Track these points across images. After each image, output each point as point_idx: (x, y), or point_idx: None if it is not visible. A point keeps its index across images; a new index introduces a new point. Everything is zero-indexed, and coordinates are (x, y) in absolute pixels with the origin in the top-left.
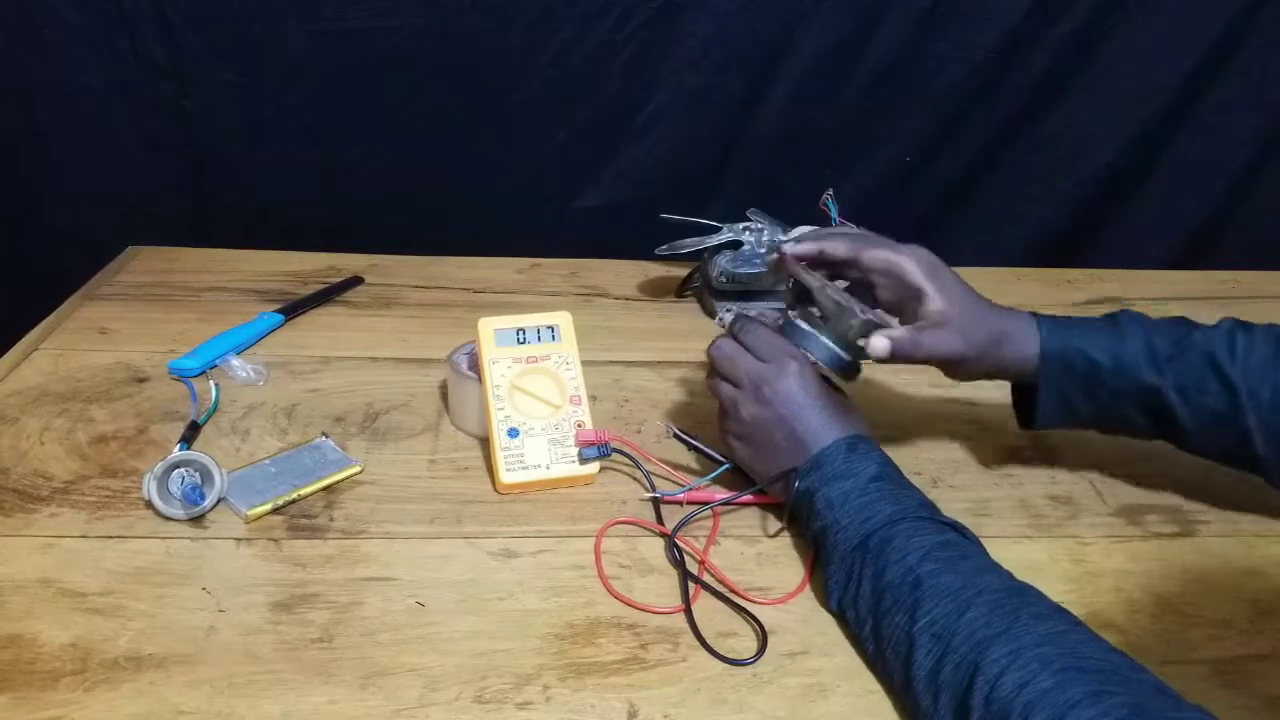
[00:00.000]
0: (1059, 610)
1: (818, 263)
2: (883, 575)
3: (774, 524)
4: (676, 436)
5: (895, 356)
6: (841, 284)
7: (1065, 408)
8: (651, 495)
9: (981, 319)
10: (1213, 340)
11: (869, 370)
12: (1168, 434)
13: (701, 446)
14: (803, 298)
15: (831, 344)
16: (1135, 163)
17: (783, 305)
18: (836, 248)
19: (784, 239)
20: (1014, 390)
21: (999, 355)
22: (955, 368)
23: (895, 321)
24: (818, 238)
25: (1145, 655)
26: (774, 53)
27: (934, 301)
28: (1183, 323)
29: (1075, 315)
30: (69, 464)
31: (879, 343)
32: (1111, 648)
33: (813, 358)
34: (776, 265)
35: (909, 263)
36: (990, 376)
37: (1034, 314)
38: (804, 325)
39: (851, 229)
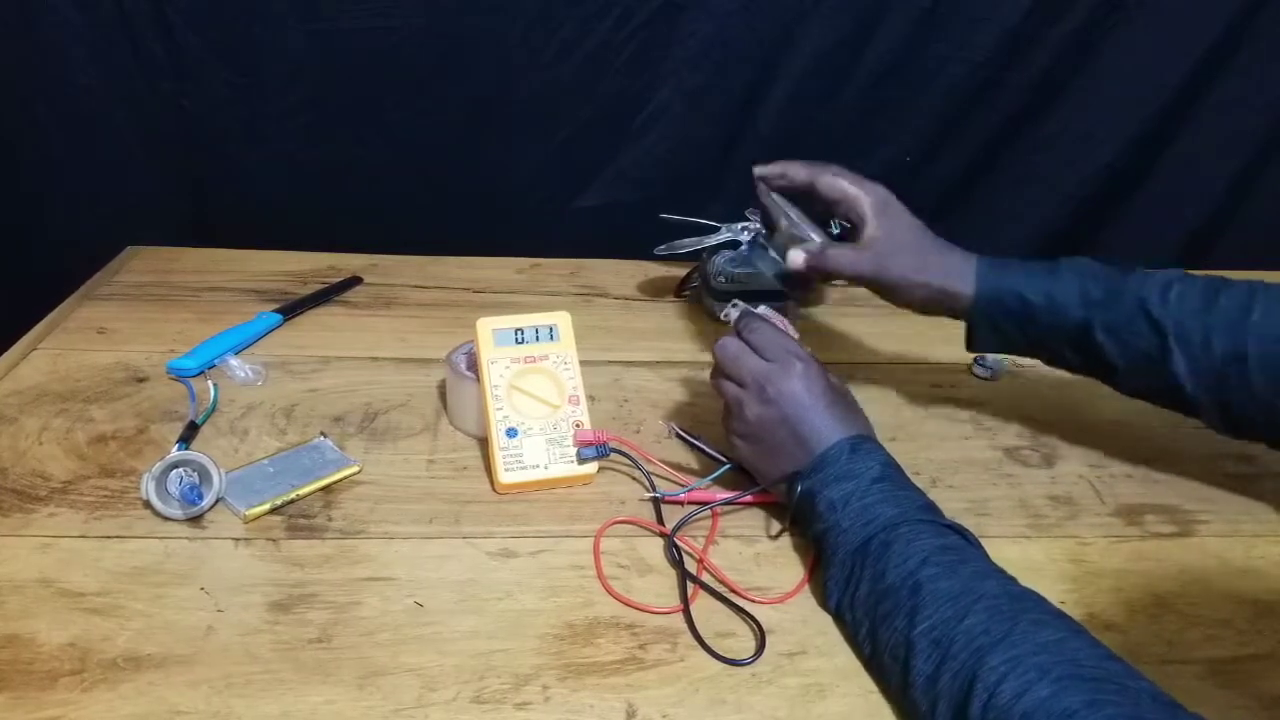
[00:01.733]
0: (1059, 616)
1: (783, 188)
2: (882, 579)
3: (774, 524)
4: (679, 436)
5: (808, 267)
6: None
7: (1000, 338)
8: (652, 495)
9: (916, 252)
10: (1146, 286)
11: (870, 370)
12: (1099, 372)
13: (704, 446)
14: (770, 225)
15: (775, 255)
16: (1135, 163)
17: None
18: (797, 171)
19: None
20: (964, 320)
21: (931, 286)
22: (875, 288)
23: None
24: (784, 161)
25: (1144, 655)
26: (774, 53)
27: (869, 229)
28: (1123, 270)
29: (1016, 258)
30: (67, 464)
31: (794, 254)
32: (1110, 654)
33: (764, 272)
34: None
35: (860, 194)
36: (930, 308)
37: (982, 256)
38: (760, 241)
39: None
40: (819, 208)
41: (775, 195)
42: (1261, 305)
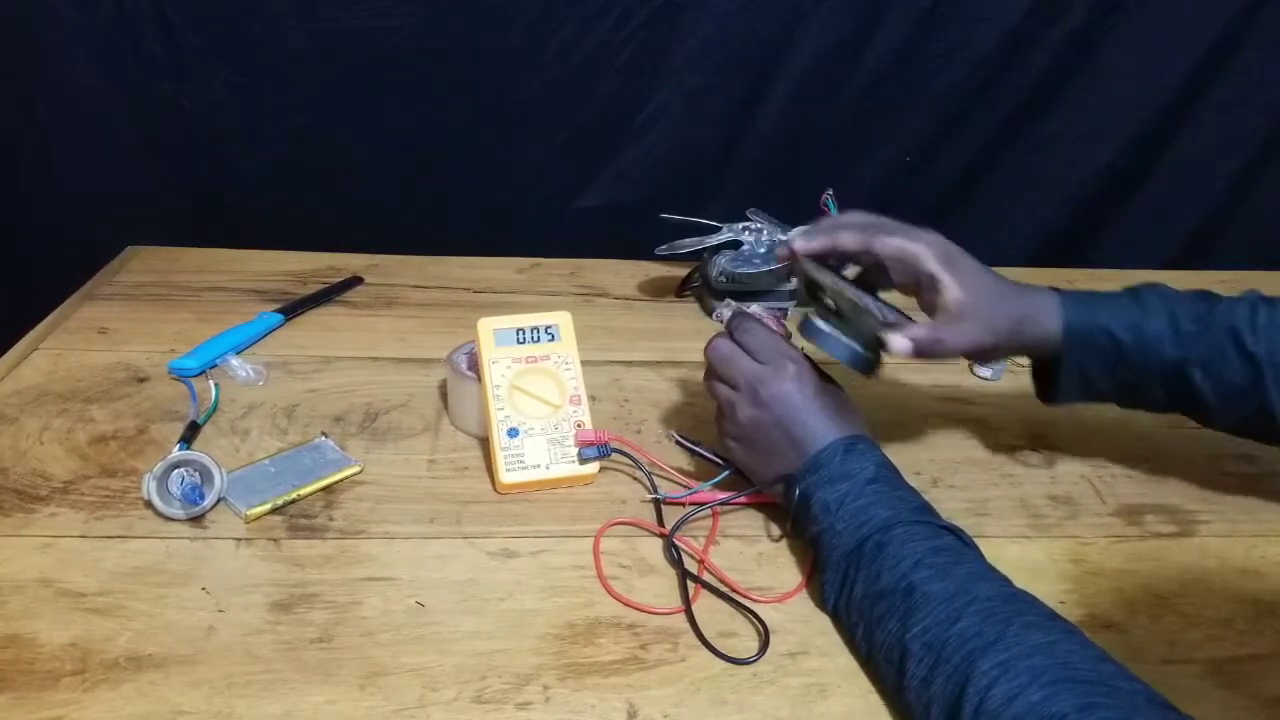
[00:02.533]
0: (1052, 618)
1: (829, 256)
2: (876, 581)
3: (773, 525)
4: (679, 443)
5: (918, 354)
6: (853, 269)
7: (1086, 384)
8: (654, 496)
9: (1002, 302)
10: (1235, 313)
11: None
12: (1189, 409)
13: (704, 452)
14: (814, 291)
15: (851, 343)
16: (1135, 163)
17: (782, 304)
18: (848, 240)
19: (783, 238)
20: (1034, 364)
21: (1022, 336)
22: (979, 356)
23: (910, 313)
24: (829, 229)
25: (1144, 655)
26: (774, 53)
27: (951, 291)
28: (1206, 296)
29: (1094, 290)
30: (68, 464)
31: (900, 343)
32: (1104, 657)
33: (836, 359)
34: (786, 258)
35: (923, 250)
36: (1014, 355)
37: (1055, 289)
38: (822, 325)
39: (861, 216)
40: (866, 265)
41: (826, 272)
42: None
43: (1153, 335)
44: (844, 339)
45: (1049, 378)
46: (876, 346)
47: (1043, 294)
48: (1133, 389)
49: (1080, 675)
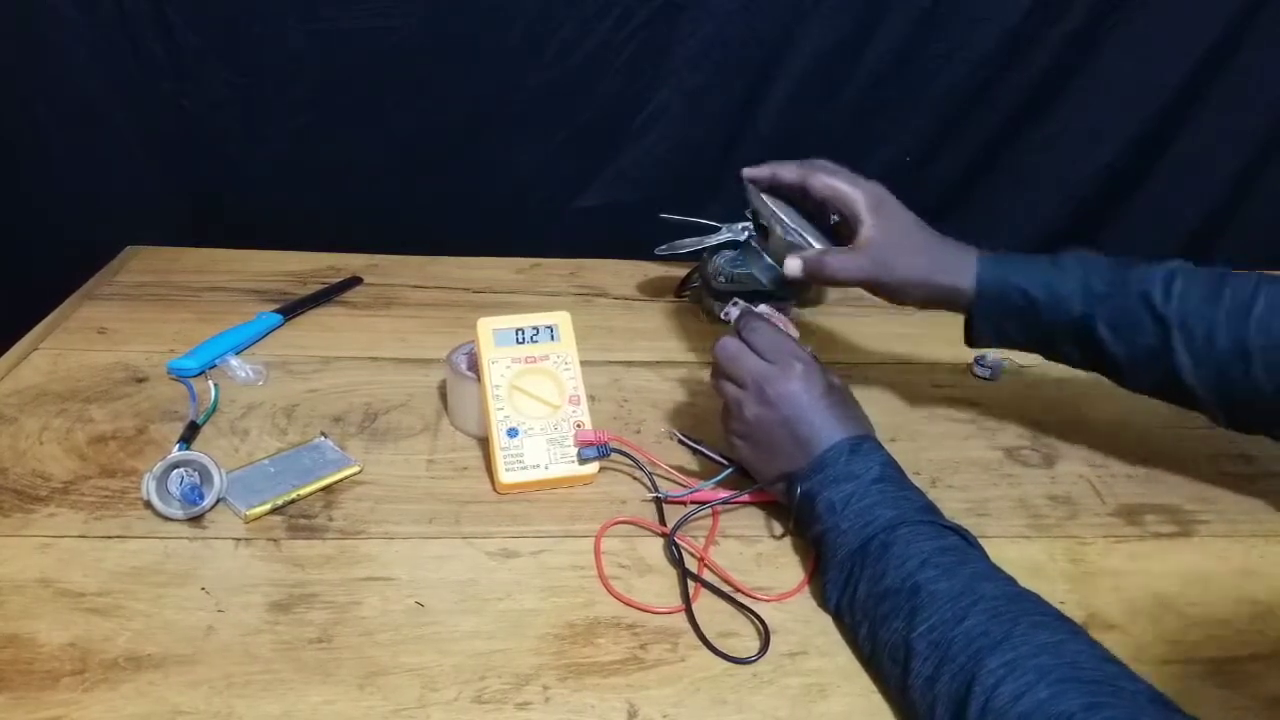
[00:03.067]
0: (1058, 618)
1: (775, 188)
2: (881, 580)
3: (774, 524)
4: (680, 442)
5: (806, 275)
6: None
7: (1001, 335)
8: (654, 496)
9: (914, 251)
10: (1149, 279)
11: (870, 370)
12: (1102, 367)
13: (705, 451)
14: (757, 221)
15: (770, 261)
16: (1135, 163)
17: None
18: (787, 171)
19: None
20: (965, 319)
21: (931, 284)
22: (876, 291)
23: (829, 243)
24: (776, 162)
25: (1144, 655)
26: (774, 53)
27: (865, 229)
28: (1127, 261)
29: (1016, 252)
30: (68, 464)
31: (791, 262)
32: (1109, 657)
33: (756, 275)
34: (737, 179)
35: (854, 193)
36: (929, 305)
37: (979, 249)
38: (754, 245)
39: (817, 160)
40: (811, 207)
41: (766, 198)
42: (1265, 298)
43: (1064, 294)
44: (765, 258)
45: (968, 326)
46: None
47: (964, 250)
48: (1048, 344)
49: (1086, 675)
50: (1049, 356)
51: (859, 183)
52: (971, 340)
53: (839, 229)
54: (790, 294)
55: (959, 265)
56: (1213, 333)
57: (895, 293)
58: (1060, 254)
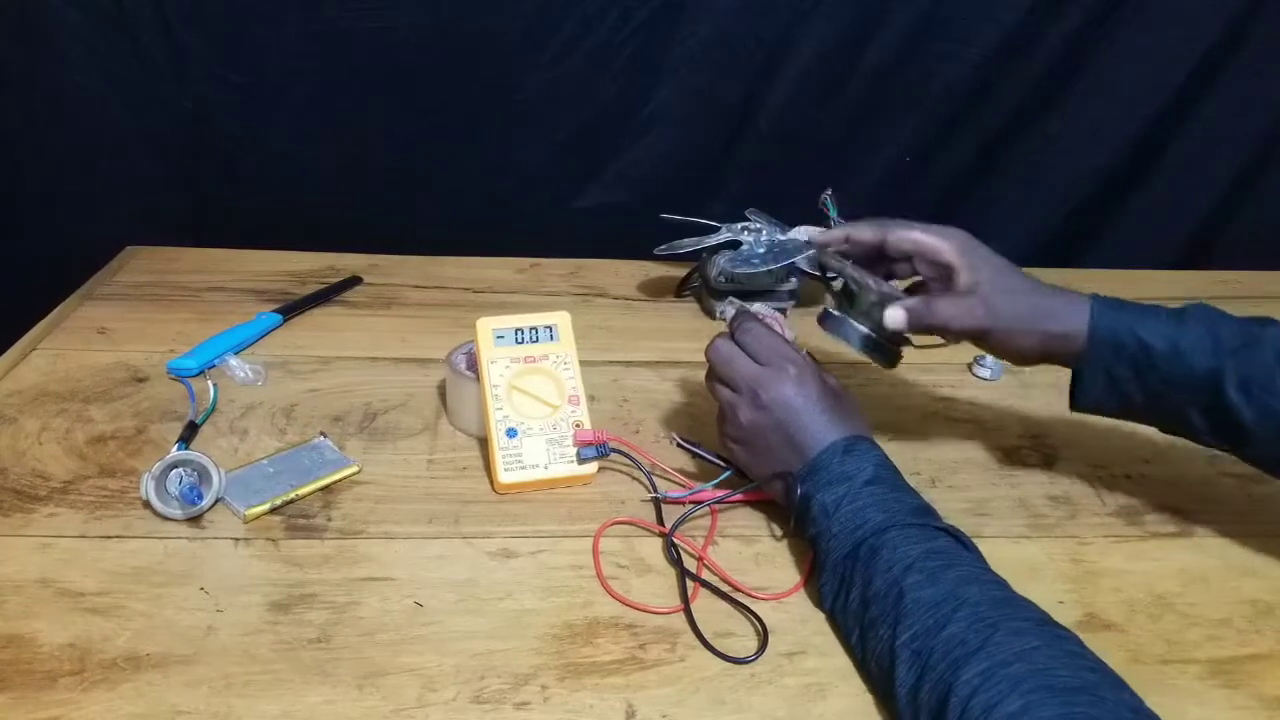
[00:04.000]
0: (1041, 623)
1: (850, 253)
2: (870, 586)
3: (774, 524)
4: (680, 445)
5: (911, 325)
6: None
7: (1113, 389)
8: (654, 496)
9: (1019, 292)
10: None
11: (870, 370)
12: (1226, 432)
13: (705, 454)
14: (830, 285)
15: (860, 325)
16: (1135, 163)
17: (783, 304)
18: (862, 232)
19: (782, 237)
20: (1073, 373)
21: (1042, 331)
22: (983, 340)
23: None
24: (847, 224)
25: (1144, 655)
26: (774, 53)
27: (962, 275)
28: (1259, 319)
29: (1133, 300)
30: (67, 464)
31: (894, 313)
32: (1090, 664)
33: (849, 345)
34: (812, 249)
35: (938, 241)
36: (1040, 356)
37: (1092, 295)
38: (834, 311)
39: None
40: (884, 269)
41: (841, 259)
42: None
43: (1188, 344)
44: (853, 322)
45: (1076, 379)
46: (890, 335)
47: (1072, 294)
48: (1165, 402)
49: (1062, 683)
50: (1162, 422)
51: (944, 231)
52: (1078, 397)
53: (920, 289)
54: (885, 360)
55: (1070, 309)
56: None
57: (1003, 339)
58: (1186, 307)
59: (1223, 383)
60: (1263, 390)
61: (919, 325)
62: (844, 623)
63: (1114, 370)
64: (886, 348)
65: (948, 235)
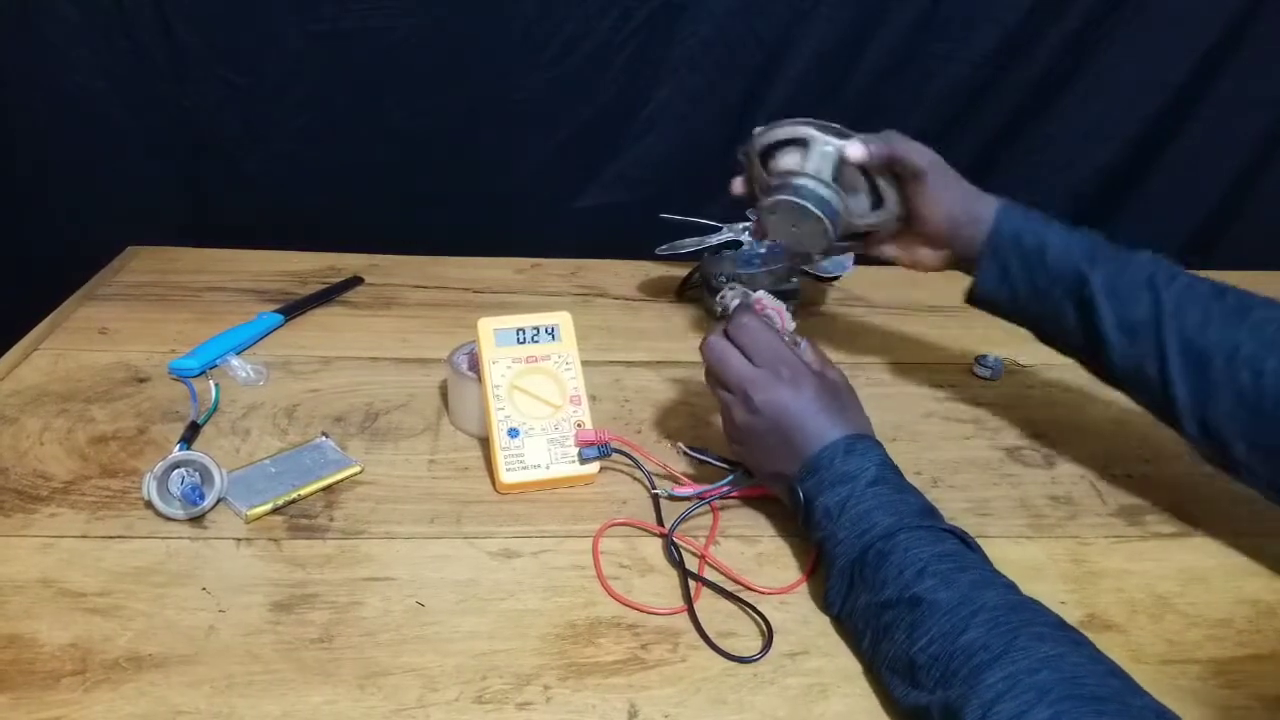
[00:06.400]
0: (1060, 628)
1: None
2: (881, 590)
3: (773, 524)
4: (685, 454)
5: (872, 155)
6: None
7: (1004, 280)
8: (654, 492)
9: (963, 197)
10: (1159, 262)
11: (871, 369)
12: (1090, 338)
13: (711, 460)
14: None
15: (815, 186)
16: (1135, 163)
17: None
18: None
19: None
20: (976, 262)
21: (962, 202)
22: (918, 180)
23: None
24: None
25: (1145, 655)
26: (774, 53)
27: (921, 156)
28: (1138, 247)
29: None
30: (69, 464)
31: (854, 146)
32: (1112, 670)
33: (810, 206)
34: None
35: (911, 149)
36: (948, 234)
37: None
38: (778, 181)
39: None
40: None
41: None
42: (1266, 308)
43: (1075, 247)
44: (806, 181)
45: (976, 268)
46: (839, 190)
47: (994, 199)
48: (1046, 297)
49: (1089, 691)
50: (1040, 322)
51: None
52: (975, 285)
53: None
54: (848, 248)
55: (985, 203)
56: (1207, 323)
57: (933, 193)
58: (1084, 227)
59: (1092, 284)
60: (1126, 300)
61: (880, 155)
62: (853, 627)
63: (1008, 262)
64: (835, 211)
65: (920, 150)
